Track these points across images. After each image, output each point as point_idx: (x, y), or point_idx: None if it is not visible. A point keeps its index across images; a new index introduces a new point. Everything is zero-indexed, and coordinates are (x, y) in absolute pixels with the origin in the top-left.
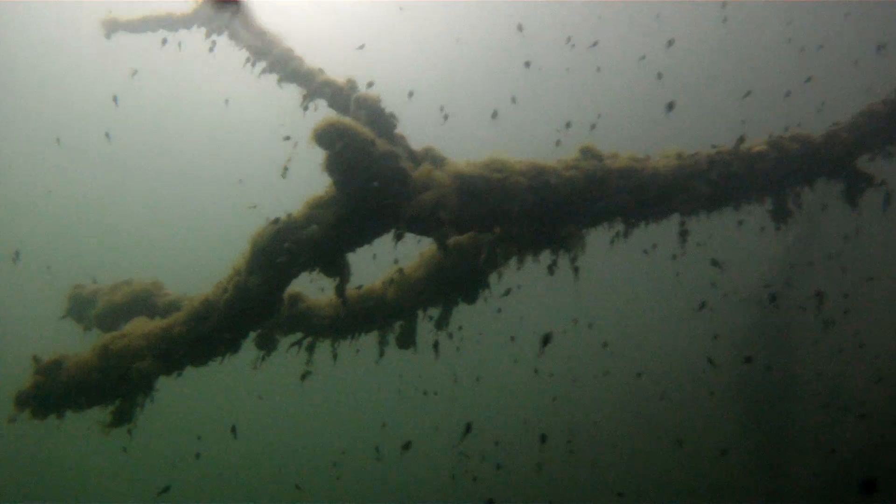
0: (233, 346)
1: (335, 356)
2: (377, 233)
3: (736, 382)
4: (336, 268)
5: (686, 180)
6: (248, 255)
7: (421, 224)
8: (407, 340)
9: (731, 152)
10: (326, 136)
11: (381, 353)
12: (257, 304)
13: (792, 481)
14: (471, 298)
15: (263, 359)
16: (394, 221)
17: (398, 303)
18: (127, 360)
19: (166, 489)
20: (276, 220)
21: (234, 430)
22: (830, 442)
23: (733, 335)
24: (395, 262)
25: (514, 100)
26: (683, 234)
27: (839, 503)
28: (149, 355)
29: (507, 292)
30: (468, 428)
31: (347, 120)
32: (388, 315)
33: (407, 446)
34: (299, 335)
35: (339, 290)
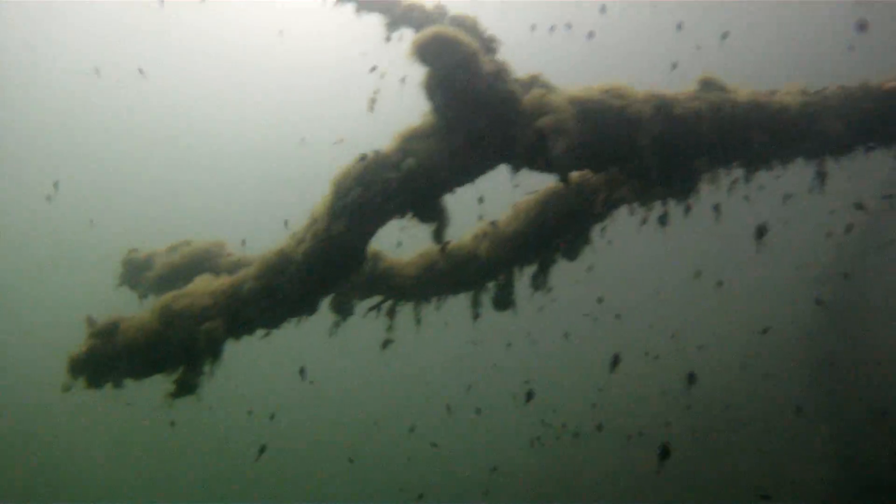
0: (309, 306)
1: (418, 321)
2: (485, 167)
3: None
4: (433, 211)
5: (817, 117)
6: (330, 198)
7: (537, 155)
8: (505, 301)
9: (861, 88)
10: (430, 49)
11: (476, 315)
12: (340, 254)
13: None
14: (572, 254)
15: (338, 325)
16: (505, 152)
17: (492, 259)
18: (191, 321)
19: (263, 449)
20: (363, 157)
21: (302, 372)
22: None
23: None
24: (481, 218)
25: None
26: (822, 177)
27: None
28: (216, 315)
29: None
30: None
31: (453, 30)
32: (480, 273)
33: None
34: (378, 298)
35: (438, 236)
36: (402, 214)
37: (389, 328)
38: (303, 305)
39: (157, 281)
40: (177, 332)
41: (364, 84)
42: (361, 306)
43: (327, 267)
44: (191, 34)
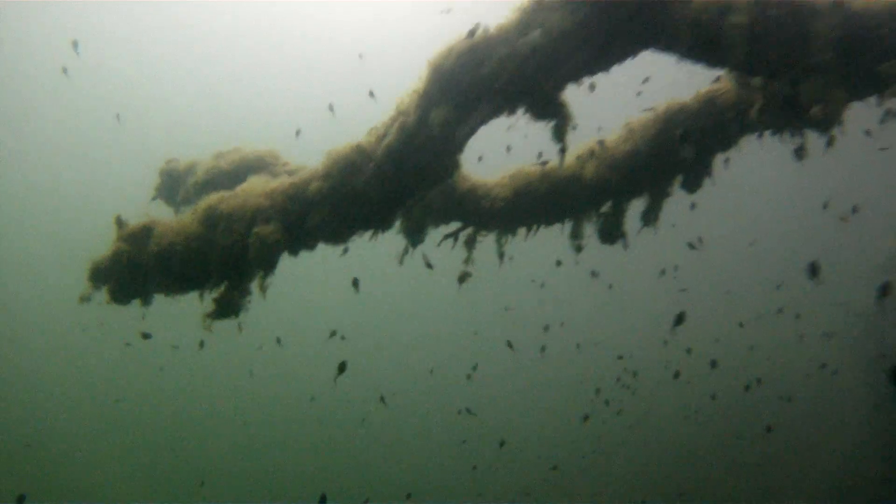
0: (385, 217)
1: (501, 254)
2: (628, 48)
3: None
4: (553, 106)
5: None
6: (426, 83)
7: (702, 38)
8: (613, 232)
9: None
10: None
11: (579, 248)
12: (432, 153)
13: None
14: (692, 185)
15: (406, 253)
16: (658, 30)
17: (598, 184)
18: (242, 224)
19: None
20: (472, 32)
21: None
22: None
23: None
24: (539, 160)
25: None
26: None
27: None
28: (273, 219)
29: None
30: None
31: None
32: (583, 200)
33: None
34: (457, 225)
35: (558, 133)
36: (513, 106)
37: (468, 260)
38: (378, 216)
39: (200, 188)
40: (223, 236)
41: None
42: (434, 234)
43: (414, 169)
44: None
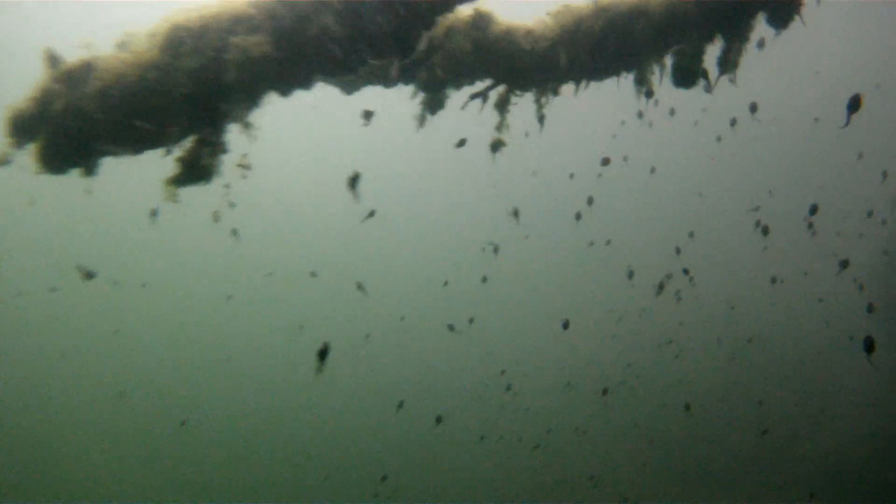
0: (403, 43)
1: (542, 119)
2: None
3: None
4: None
5: None
6: None
7: None
8: (691, 72)
9: None
10: None
11: (650, 94)
12: None
13: None
14: (781, 19)
15: (424, 119)
16: None
17: (667, 17)
18: (217, 38)
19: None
20: None
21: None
22: None
23: None
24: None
25: None
26: None
27: None
28: (262, 28)
29: None
30: None
31: None
32: (648, 39)
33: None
34: (485, 84)
35: None
36: None
37: (501, 126)
38: (395, 39)
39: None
40: (190, 59)
41: None
42: (457, 99)
43: None
44: None
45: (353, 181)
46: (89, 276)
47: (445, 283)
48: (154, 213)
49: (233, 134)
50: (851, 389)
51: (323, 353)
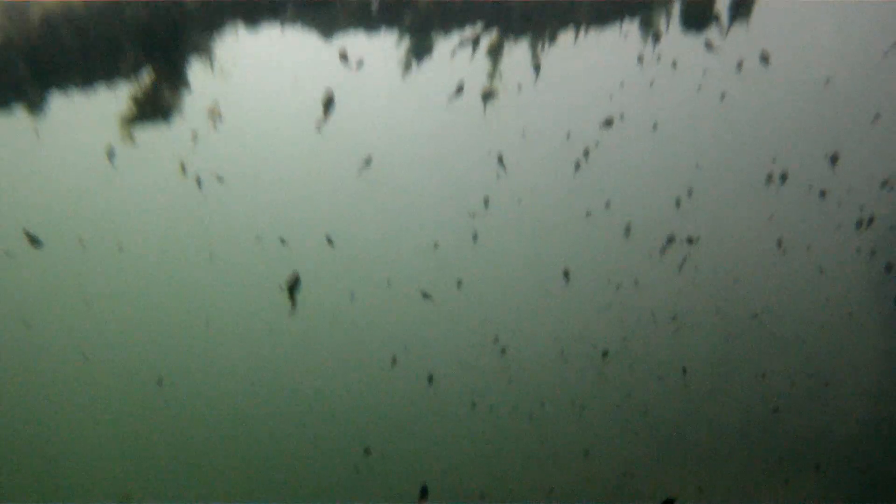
0: None
1: (538, 68)
2: None
3: None
4: None
5: None
6: None
7: None
8: (702, 13)
9: None
10: None
11: (657, 36)
12: None
13: None
14: None
15: (409, 66)
16: None
17: None
18: None
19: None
20: None
21: None
22: None
23: None
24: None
25: None
26: None
27: None
28: None
29: None
30: None
31: None
32: None
33: None
34: (474, 31)
35: None
36: None
37: (493, 74)
38: None
39: None
40: None
41: None
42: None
43: None
44: None
45: (327, 105)
46: (34, 242)
47: (436, 246)
48: (111, 153)
49: (202, 76)
50: (855, 362)
51: (292, 287)
